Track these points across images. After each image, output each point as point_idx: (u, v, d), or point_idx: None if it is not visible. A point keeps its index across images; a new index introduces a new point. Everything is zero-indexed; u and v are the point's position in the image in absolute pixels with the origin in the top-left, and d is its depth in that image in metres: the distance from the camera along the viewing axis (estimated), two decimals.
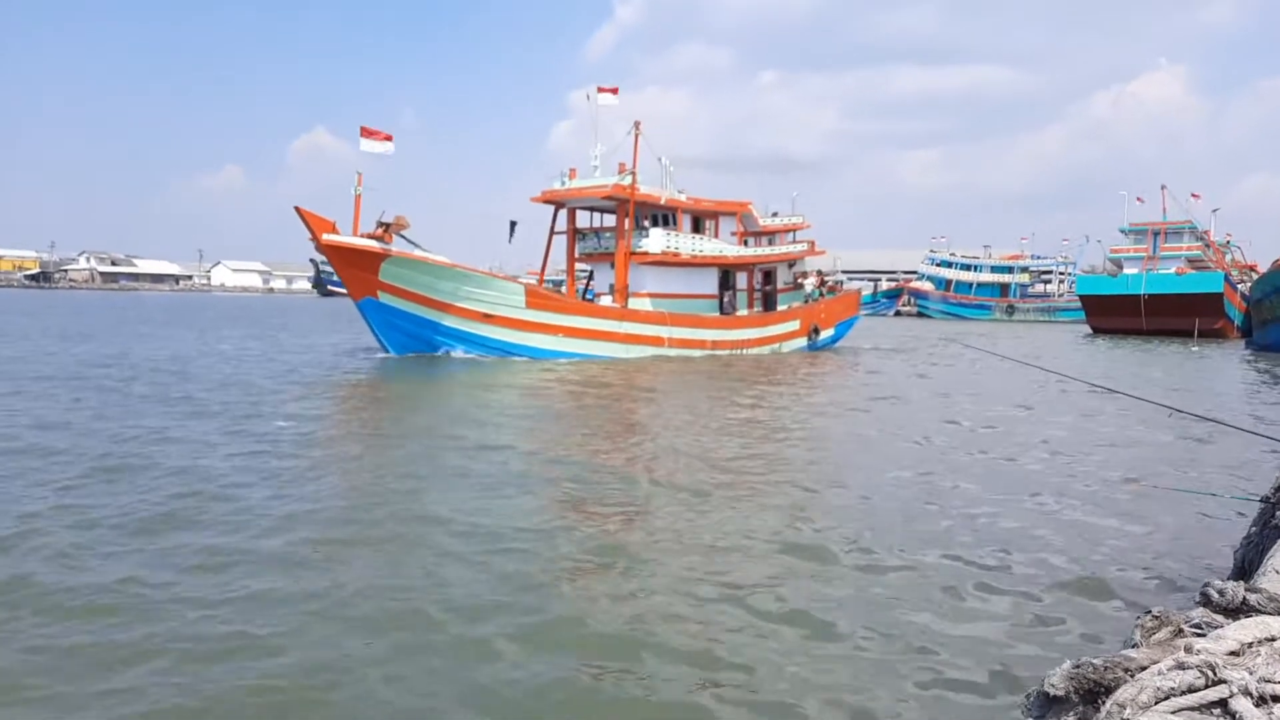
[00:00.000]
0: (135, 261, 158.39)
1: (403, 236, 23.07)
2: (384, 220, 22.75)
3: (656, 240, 28.34)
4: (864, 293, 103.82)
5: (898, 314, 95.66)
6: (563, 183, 28.62)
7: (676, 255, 28.83)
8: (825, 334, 33.97)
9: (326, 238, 22.45)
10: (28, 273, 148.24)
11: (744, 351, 30.09)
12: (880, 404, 17.74)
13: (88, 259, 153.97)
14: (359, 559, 6.80)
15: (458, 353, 24.40)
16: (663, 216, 29.53)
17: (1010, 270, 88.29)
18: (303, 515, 7.92)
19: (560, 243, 30.61)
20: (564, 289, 32.20)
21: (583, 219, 30.76)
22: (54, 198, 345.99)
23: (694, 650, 5.29)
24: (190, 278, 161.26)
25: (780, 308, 33.34)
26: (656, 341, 27.56)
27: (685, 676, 4.96)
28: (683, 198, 29.51)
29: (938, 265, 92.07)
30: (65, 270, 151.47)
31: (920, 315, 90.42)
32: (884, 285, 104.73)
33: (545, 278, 36.98)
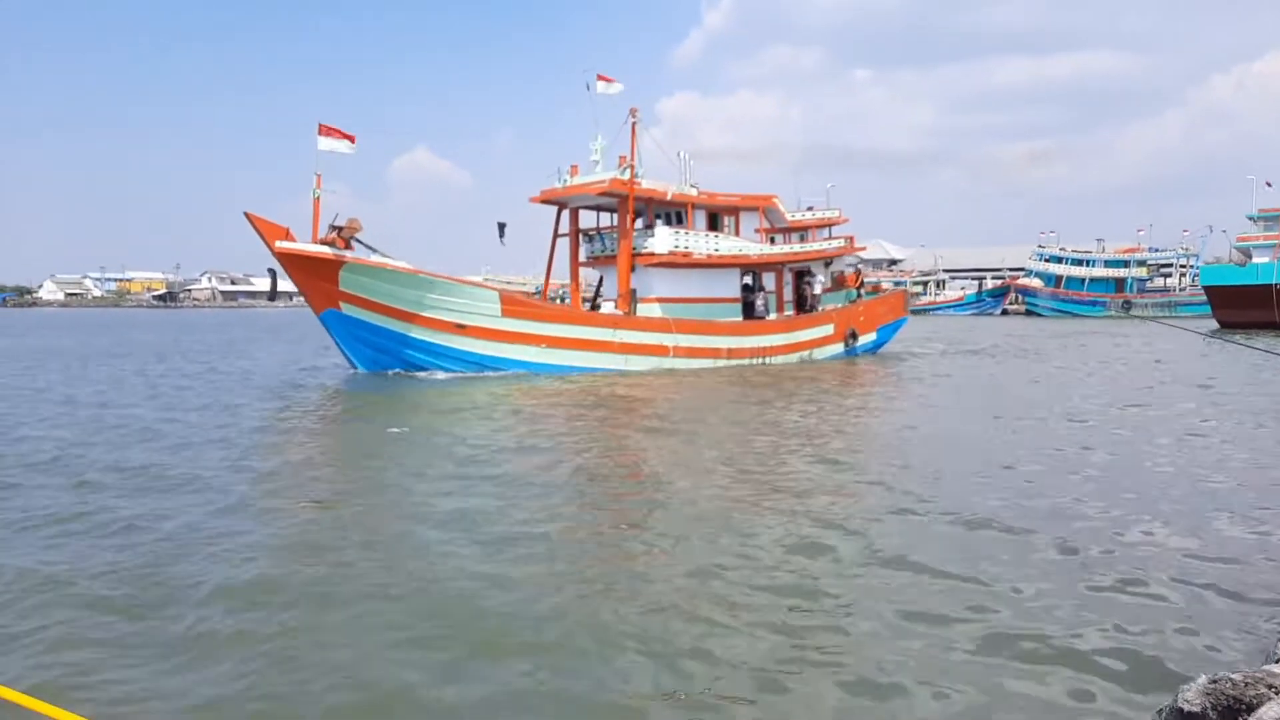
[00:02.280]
0: (252, 280, 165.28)
1: (359, 241, 21.38)
2: (336, 224, 21.09)
3: (663, 239, 25.81)
4: (967, 292, 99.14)
5: (1004, 313, 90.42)
6: (560, 180, 26.50)
7: (688, 255, 26.22)
8: (865, 339, 30.54)
9: (280, 245, 20.99)
10: (155, 293, 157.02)
11: (768, 360, 27.18)
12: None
13: (209, 279, 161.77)
14: None
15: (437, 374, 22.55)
16: (676, 214, 27.02)
17: (1126, 264, 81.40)
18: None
19: (565, 246, 28.51)
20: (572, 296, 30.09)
21: (590, 220, 28.57)
22: (180, 221, 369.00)
23: None
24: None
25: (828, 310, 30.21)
26: (660, 351, 25.03)
27: None
28: (693, 192, 26.88)
29: (1047, 261, 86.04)
30: (189, 290, 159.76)
31: (1029, 314, 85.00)
32: (989, 283, 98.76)
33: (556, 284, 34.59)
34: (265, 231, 20.91)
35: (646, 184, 25.80)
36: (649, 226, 26.42)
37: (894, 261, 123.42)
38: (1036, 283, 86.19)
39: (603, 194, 25.39)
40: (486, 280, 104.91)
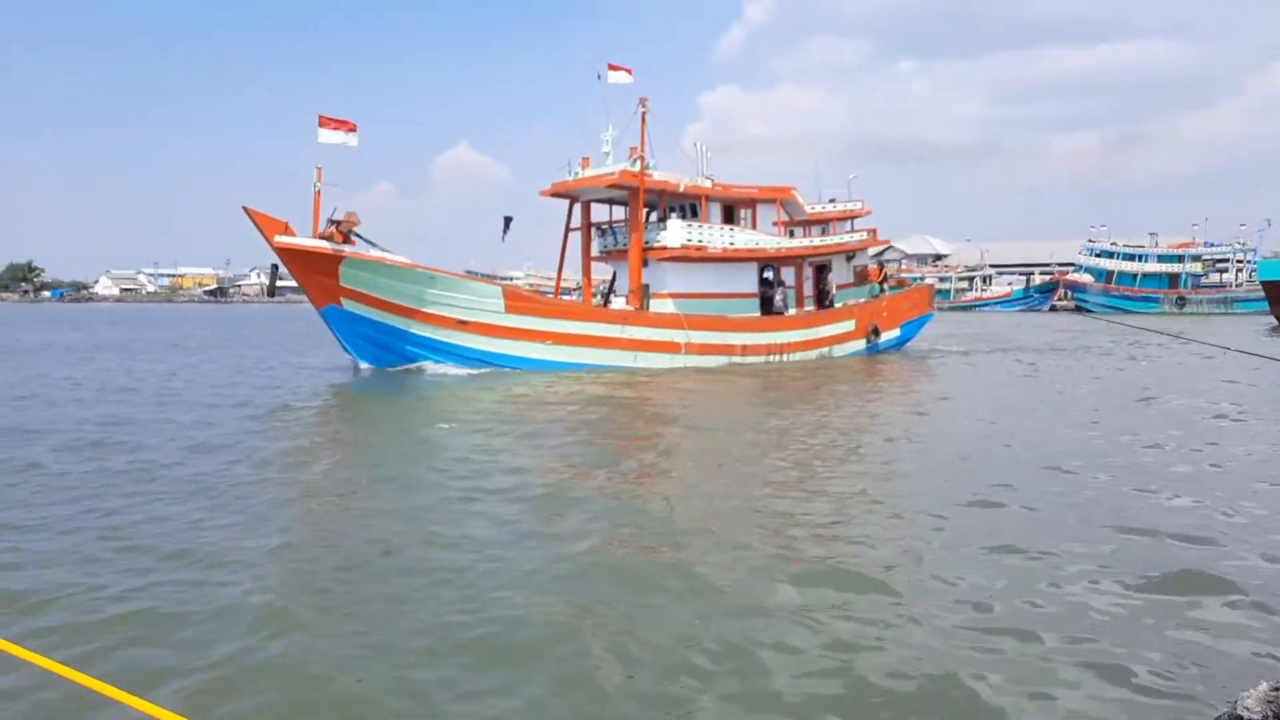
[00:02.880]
0: None
1: (357, 235, 21.05)
2: (334, 218, 20.79)
3: (675, 233, 25.15)
4: (1015, 287, 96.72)
5: (1053, 309, 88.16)
6: (570, 173, 25.98)
7: (702, 249, 25.52)
8: (888, 335, 29.52)
9: (279, 240, 20.75)
10: (206, 288, 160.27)
11: (784, 357, 26.38)
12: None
13: (258, 274, 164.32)
14: None
15: (437, 366, 22.21)
16: (690, 207, 26.31)
17: (1180, 259, 78.68)
18: None
19: (577, 241, 28.01)
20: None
21: (603, 214, 28.04)
22: (230, 218, 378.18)
23: None
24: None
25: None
26: (670, 348, 24.38)
27: None
28: (708, 184, 26.15)
29: (1097, 256, 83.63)
30: (239, 285, 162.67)
31: (1079, 310, 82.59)
32: (1037, 279, 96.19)
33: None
34: (264, 226, 20.69)
35: (658, 176, 25.16)
36: (661, 220, 25.83)
37: (939, 256, 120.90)
38: (1086, 278, 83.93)
39: (611, 186, 24.81)
40: (529, 275, 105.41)
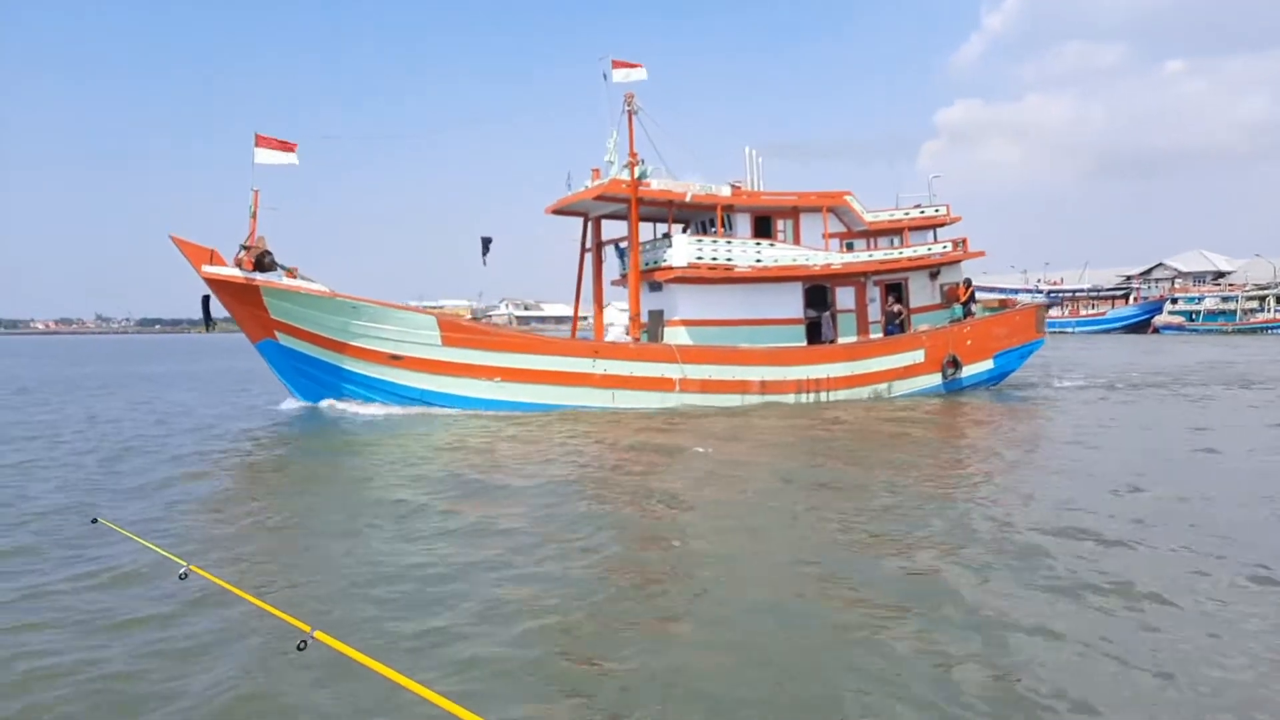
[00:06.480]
0: (542, 306, 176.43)
1: (274, 260, 19.16)
2: (245, 243, 19.04)
3: (681, 249, 21.24)
4: None
5: None
6: (569, 186, 22.86)
7: (720, 268, 21.37)
8: (974, 368, 23.21)
9: (206, 270, 19.37)
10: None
11: (822, 395, 21.44)
12: None
13: (506, 305, 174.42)
14: None
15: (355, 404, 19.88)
16: (725, 219, 22.24)
17: None
18: None
19: (591, 262, 24.75)
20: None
21: (619, 231, 24.55)
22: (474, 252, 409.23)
23: None
24: (586, 318, 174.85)
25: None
26: (660, 385, 20.43)
27: None
28: (726, 192, 21.90)
29: None
30: (489, 315, 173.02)
31: None
32: None
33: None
34: (190, 255, 19.37)
35: (657, 185, 21.42)
36: (667, 235, 22.06)
37: (1221, 274, 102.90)
38: None
39: (599, 199, 21.42)
40: None
